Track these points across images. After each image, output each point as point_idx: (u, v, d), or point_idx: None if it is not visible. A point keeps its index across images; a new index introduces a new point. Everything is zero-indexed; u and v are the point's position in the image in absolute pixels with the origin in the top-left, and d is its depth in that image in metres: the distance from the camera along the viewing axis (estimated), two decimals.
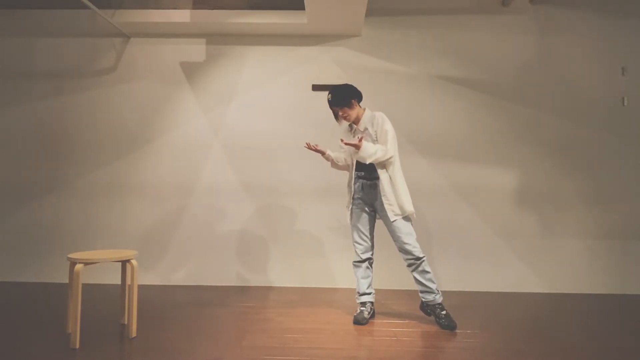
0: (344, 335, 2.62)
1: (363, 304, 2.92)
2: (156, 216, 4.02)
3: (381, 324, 2.83)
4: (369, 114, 2.93)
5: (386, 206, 2.83)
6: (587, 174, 3.96)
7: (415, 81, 4.06)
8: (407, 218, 2.86)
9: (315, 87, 4.06)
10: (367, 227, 2.97)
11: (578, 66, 4.02)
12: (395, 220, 2.82)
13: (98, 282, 3.88)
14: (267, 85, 4.10)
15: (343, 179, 3.29)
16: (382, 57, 4.08)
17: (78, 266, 2.37)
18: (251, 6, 3.90)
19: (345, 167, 3.08)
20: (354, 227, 2.97)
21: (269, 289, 3.83)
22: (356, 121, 2.94)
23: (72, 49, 4.15)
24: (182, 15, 3.88)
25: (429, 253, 3.93)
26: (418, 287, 2.87)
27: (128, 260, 2.54)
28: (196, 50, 4.14)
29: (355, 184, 2.96)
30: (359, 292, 2.96)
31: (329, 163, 3.10)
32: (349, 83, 3.03)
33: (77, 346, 2.33)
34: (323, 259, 3.95)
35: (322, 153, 3.01)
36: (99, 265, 2.63)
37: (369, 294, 2.94)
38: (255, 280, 3.95)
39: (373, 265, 3.01)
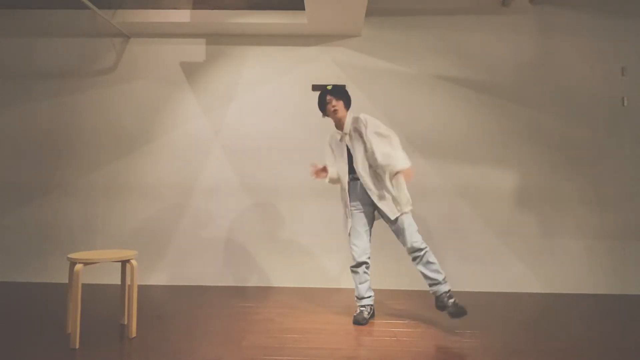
0: (344, 335, 2.62)
1: (363, 305, 2.92)
2: (156, 216, 4.02)
3: (381, 324, 2.83)
4: (350, 118, 2.95)
5: (386, 204, 2.83)
6: (587, 174, 3.96)
7: (415, 81, 4.06)
8: (407, 213, 2.87)
9: (315, 87, 4.06)
10: (366, 228, 2.94)
11: (578, 66, 4.02)
12: (397, 218, 2.82)
13: (98, 282, 3.88)
14: (267, 86, 4.10)
15: None
16: (382, 57, 4.08)
17: (78, 266, 2.37)
18: (251, 6, 3.90)
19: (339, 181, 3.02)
20: (352, 229, 2.93)
21: (269, 289, 3.83)
22: (340, 126, 2.97)
23: (72, 49, 4.15)
24: (182, 16, 3.88)
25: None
26: (427, 282, 2.78)
27: (128, 261, 2.54)
28: (196, 50, 4.14)
29: (350, 187, 2.93)
30: (358, 297, 2.94)
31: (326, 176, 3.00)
32: (345, 84, 3.08)
33: (77, 346, 2.33)
34: (323, 259, 3.95)
35: (327, 172, 2.93)
36: (98, 265, 2.63)
37: (369, 297, 2.93)
38: (255, 281, 3.95)
39: (370, 269, 2.96)
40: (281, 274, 3.95)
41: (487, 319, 3.00)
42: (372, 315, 2.94)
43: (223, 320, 2.88)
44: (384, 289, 3.86)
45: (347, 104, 2.98)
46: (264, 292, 3.69)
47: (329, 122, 3.05)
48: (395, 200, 2.84)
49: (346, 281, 3.86)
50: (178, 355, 2.26)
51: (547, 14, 4.06)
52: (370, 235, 2.98)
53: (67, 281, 2.55)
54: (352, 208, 2.93)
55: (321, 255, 3.95)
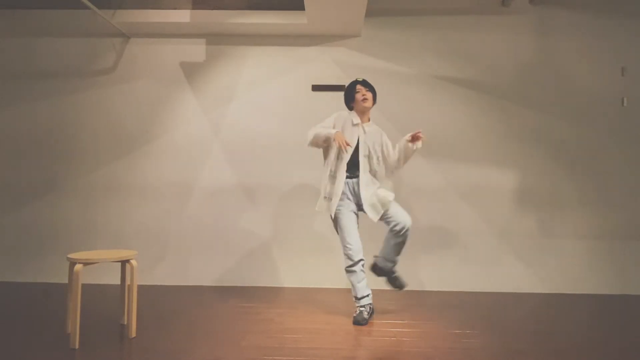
0: (344, 335, 2.62)
1: (362, 305, 2.91)
2: (156, 216, 4.02)
3: (380, 324, 2.83)
4: (374, 125, 3.10)
5: (373, 206, 2.93)
6: (587, 174, 3.96)
7: (415, 81, 4.06)
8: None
9: (315, 88, 4.06)
10: (356, 226, 2.97)
11: (578, 66, 4.02)
12: (388, 209, 2.92)
13: (98, 282, 3.87)
14: (267, 86, 4.10)
15: None
16: (382, 57, 4.08)
17: (77, 266, 2.37)
18: (251, 6, 3.90)
19: (321, 144, 2.96)
20: (344, 228, 2.89)
21: (269, 289, 3.83)
22: (362, 117, 3.04)
23: (72, 49, 4.15)
24: (182, 16, 3.88)
25: (429, 253, 3.93)
26: (391, 254, 2.96)
27: (128, 261, 2.54)
28: (196, 50, 4.14)
29: (346, 184, 2.94)
30: (357, 297, 2.91)
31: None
32: (345, 84, 3.23)
33: (77, 346, 2.33)
34: (323, 259, 3.95)
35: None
36: (98, 265, 2.63)
37: (367, 295, 2.92)
38: (255, 281, 3.95)
39: (365, 266, 2.96)
40: (281, 274, 3.95)
41: (487, 319, 3.01)
42: (371, 314, 2.93)
43: (223, 320, 2.88)
44: (384, 289, 3.86)
45: (374, 99, 3.07)
46: (264, 292, 3.69)
47: None
48: (380, 201, 2.93)
49: (346, 281, 3.85)
50: (178, 355, 2.26)
51: (546, 14, 4.06)
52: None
53: (67, 281, 2.55)
54: (344, 207, 2.92)
55: (321, 255, 3.95)
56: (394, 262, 3.03)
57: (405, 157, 3.04)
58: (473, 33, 4.07)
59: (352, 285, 2.93)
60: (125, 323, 2.65)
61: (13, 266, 3.99)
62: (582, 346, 2.51)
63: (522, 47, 4.05)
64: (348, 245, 2.89)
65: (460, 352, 2.35)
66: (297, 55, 4.11)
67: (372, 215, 2.91)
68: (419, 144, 2.95)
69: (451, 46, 4.07)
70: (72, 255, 2.45)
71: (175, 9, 3.91)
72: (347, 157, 2.92)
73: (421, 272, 3.92)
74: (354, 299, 2.95)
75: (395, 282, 3.11)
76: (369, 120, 3.09)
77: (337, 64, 4.08)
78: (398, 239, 2.92)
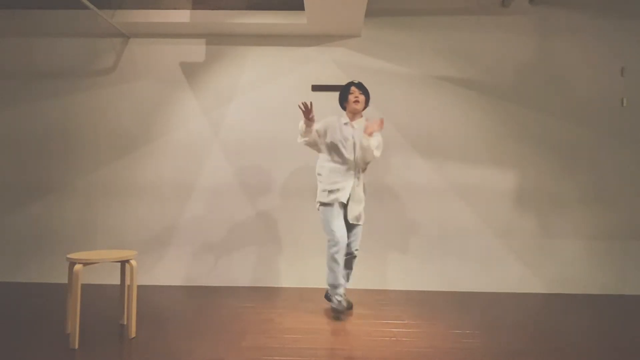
0: (344, 335, 2.62)
1: (340, 295, 2.94)
2: (156, 216, 4.02)
3: (380, 325, 2.83)
4: (363, 118, 3.19)
5: (355, 207, 3.04)
6: (586, 175, 3.96)
7: (414, 82, 4.06)
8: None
9: (315, 88, 4.06)
10: (342, 217, 3.05)
11: (577, 67, 4.03)
12: (359, 225, 3.10)
13: (97, 282, 3.87)
14: (267, 86, 4.10)
15: None
16: (382, 57, 4.08)
17: (77, 266, 2.37)
18: (251, 6, 3.90)
19: (313, 144, 3.12)
20: (332, 217, 2.97)
21: (269, 289, 3.83)
22: (352, 118, 3.16)
23: (72, 49, 4.15)
24: (181, 16, 3.88)
25: (429, 253, 3.93)
26: (341, 279, 3.01)
27: (127, 261, 2.54)
28: (196, 50, 4.14)
29: (352, 183, 3.04)
30: (335, 285, 2.95)
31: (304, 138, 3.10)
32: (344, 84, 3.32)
33: (77, 346, 2.33)
34: (323, 259, 3.94)
35: (312, 121, 2.99)
36: (98, 265, 2.63)
37: (343, 285, 3.01)
38: (255, 281, 3.95)
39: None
40: (281, 274, 3.94)
41: (487, 319, 3.01)
42: (349, 305, 3.02)
43: (223, 320, 2.88)
44: (384, 289, 3.87)
45: (367, 102, 3.20)
46: (264, 293, 3.69)
47: None
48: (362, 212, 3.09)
49: None
50: (178, 356, 2.26)
51: (546, 15, 4.06)
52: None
53: (66, 281, 2.54)
54: (337, 203, 3.01)
55: (321, 256, 3.94)
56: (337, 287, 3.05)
57: (362, 155, 3.04)
58: (473, 33, 4.07)
59: (330, 272, 2.96)
60: (125, 323, 2.65)
61: (13, 266, 3.99)
62: (582, 346, 2.51)
63: (522, 48, 4.05)
64: (332, 230, 2.96)
65: (460, 352, 2.35)
66: (297, 56, 4.11)
67: (351, 216, 3.04)
68: (367, 138, 2.98)
69: (451, 46, 4.07)
70: (71, 256, 2.45)
71: (175, 9, 3.91)
72: (347, 153, 3.03)
73: (421, 272, 3.92)
74: (330, 287, 2.97)
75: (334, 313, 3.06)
76: (361, 117, 3.20)
77: (337, 64, 4.08)
78: (345, 268, 3.09)
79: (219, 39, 4.13)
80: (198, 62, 4.14)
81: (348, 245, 3.05)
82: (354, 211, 3.04)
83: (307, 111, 2.93)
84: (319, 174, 3.10)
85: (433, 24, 4.08)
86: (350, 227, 3.06)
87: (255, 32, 4.05)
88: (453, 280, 3.91)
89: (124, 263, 2.62)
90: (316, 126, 3.07)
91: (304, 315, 3.03)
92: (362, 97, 3.12)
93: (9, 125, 4.11)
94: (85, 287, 3.47)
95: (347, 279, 3.17)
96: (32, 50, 4.16)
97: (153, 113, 4.10)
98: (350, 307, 3.11)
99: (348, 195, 3.00)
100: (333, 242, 2.94)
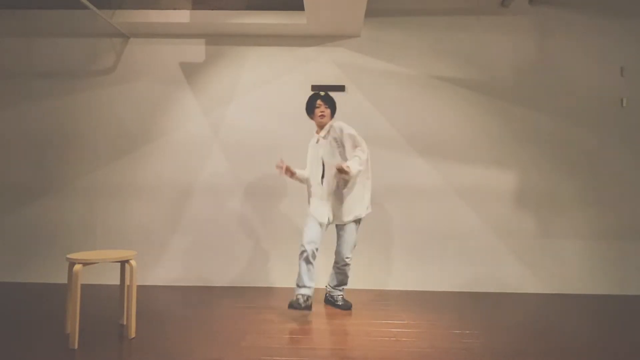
0: (344, 335, 2.62)
1: (300, 294, 2.92)
2: (155, 216, 4.02)
3: (380, 325, 2.83)
4: (328, 125, 3.20)
5: (339, 210, 3.09)
6: (586, 175, 3.96)
7: (414, 82, 4.06)
8: (358, 221, 3.16)
9: (315, 88, 4.06)
10: (322, 224, 3.07)
11: (577, 67, 4.03)
12: (346, 224, 3.11)
13: (97, 282, 3.87)
14: (267, 86, 4.10)
15: None
16: (382, 57, 4.08)
17: (77, 266, 2.37)
18: (250, 7, 3.90)
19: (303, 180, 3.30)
20: (310, 221, 3.04)
21: (269, 289, 3.83)
22: (319, 130, 3.22)
23: (71, 49, 4.15)
24: (181, 16, 3.88)
25: (428, 254, 3.93)
26: (333, 286, 3.23)
27: (127, 261, 2.54)
28: (195, 50, 4.14)
29: (326, 194, 3.12)
30: (298, 284, 2.96)
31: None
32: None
33: (76, 346, 2.33)
34: (322, 259, 3.94)
35: (292, 174, 3.20)
36: (98, 265, 2.63)
37: (308, 287, 2.96)
38: (255, 281, 3.95)
39: (315, 259, 3.03)
40: (281, 275, 3.94)
41: (487, 319, 3.00)
42: (309, 307, 2.91)
43: (223, 321, 2.88)
44: (384, 289, 3.86)
45: (333, 114, 3.23)
46: (264, 293, 3.69)
47: None
48: (347, 208, 3.09)
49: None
50: (177, 356, 2.26)
51: (546, 15, 4.06)
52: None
53: (66, 281, 2.54)
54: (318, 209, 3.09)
55: (320, 256, 3.94)
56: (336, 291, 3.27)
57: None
58: (473, 33, 4.07)
59: (298, 272, 2.98)
60: (125, 323, 2.65)
61: (13, 266, 3.98)
62: (582, 346, 2.50)
63: (521, 48, 4.06)
64: (303, 234, 3.03)
65: (460, 352, 2.35)
66: (297, 56, 4.11)
67: (337, 215, 3.11)
68: (348, 169, 2.94)
69: (451, 47, 4.07)
70: (71, 256, 2.45)
71: (175, 9, 3.91)
72: (316, 173, 3.16)
73: (421, 272, 3.92)
74: (295, 285, 3.00)
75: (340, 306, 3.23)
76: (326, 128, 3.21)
77: (336, 64, 4.08)
78: (336, 274, 3.23)
79: (219, 39, 4.13)
80: (198, 62, 4.14)
81: (337, 253, 3.18)
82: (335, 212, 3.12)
83: (285, 171, 3.13)
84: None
85: (433, 24, 4.08)
86: (338, 230, 3.19)
87: (255, 32, 4.05)
88: (453, 280, 3.91)
89: (123, 263, 2.62)
90: (300, 171, 3.27)
91: (304, 315, 3.02)
92: (327, 111, 3.15)
93: (9, 125, 4.11)
94: (85, 287, 3.46)
95: (340, 286, 3.27)
96: (32, 50, 4.15)
97: (153, 113, 4.10)
98: (348, 307, 3.18)
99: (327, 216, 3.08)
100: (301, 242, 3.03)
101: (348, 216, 3.09)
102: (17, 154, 4.09)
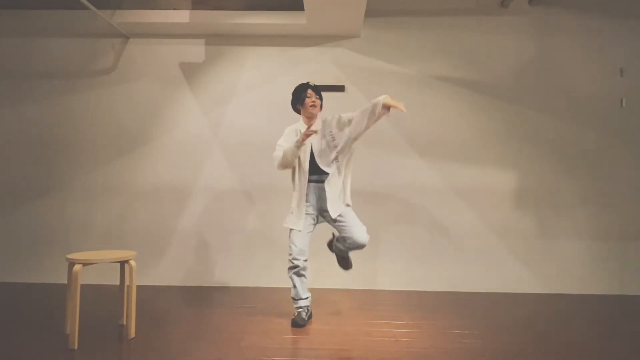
0: (343, 335, 2.62)
1: (300, 307, 2.87)
2: (155, 216, 4.01)
3: (380, 325, 2.83)
4: (319, 119, 3.00)
5: (333, 202, 2.83)
6: (586, 175, 3.96)
7: (414, 82, 4.06)
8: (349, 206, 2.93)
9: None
10: (309, 230, 2.91)
11: (577, 67, 4.03)
12: (341, 213, 2.84)
13: (97, 282, 3.86)
14: (266, 86, 4.10)
15: None
16: (381, 58, 4.08)
17: (76, 267, 2.37)
18: (250, 7, 3.90)
19: (291, 163, 2.97)
20: (299, 232, 2.84)
21: (268, 289, 3.82)
22: (308, 123, 2.96)
23: (71, 50, 4.15)
24: (181, 16, 3.88)
25: (428, 253, 3.93)
26: (342, 250, 2.94)
27: (127, 261, 2.54)
28: (195, 50, 4.14)
29: (308, 190, 2.89)
30: (294, 298, 2.88)
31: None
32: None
33: (76, 347, 2.33)
34: (321, 260, 3.93)
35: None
36: (97, 265, 2.62)
37: (306, 298, 2.90)
38: (255, 281, 3.94)
39: (307, 270, 2.90)
40: (281, 275, 3.92)
41: (487, 319, 3.01)
42: (309, 317, 2.89)
43: (222, 321, 2.88)
44: (384, 290, 3.86)
45: (321, 107, 3.02)
46: (264, 293, 3.69)
47: None
48: (342, 198, 2.89)
49: (345, 282, 3.86)
50: (177, 356, 2.26)
51: (545, 15, 4.06)
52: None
53: (66, 282, 2.54)
54: (307, 213, 2.88)
55: (320, 256, 3.94)
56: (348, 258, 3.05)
57: (371, 120, 2.81)
58: (472, 34, 4.07)
59: (293, 286, 2.88)
60: (124, 323, 2.65)
61: (12, 266, 3.98)
62: (582, 346, 2.50)
63: (521, 48, 4.06)
64: (291, 245, 2.84)
65: (460, 352, 2.35)
66: (297, 56, 4.11)
67: (332, 212, 2.83)
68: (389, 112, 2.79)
69: (451, 47, 4.07)
70: (71, 256, 2.44)
71: (174, 9, 3.91)
72: (306, 165, 2.89)
73: (421, 272, 3.92)
74: (292, 300, 2.91)
75: (342, 263, 3.06)
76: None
77: (336, 64, 4.08)
78: (345, 247, 2.90)
79: (219, 40, 4.13)
80: (197, 63, 4.13)
81: (348, 239, 2.83)
82: (330, 207, 2.86)
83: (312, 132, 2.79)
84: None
85: (432, 25, 4.08)
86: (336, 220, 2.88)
87: (254, 33, 4.05)
88: (453, 281, 3.91)
89: (123, 263, 2.62)
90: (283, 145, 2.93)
91: None
92: (318, 102, 2.96)
93: (8, 125, 4.11)
94: (85, 288, 3.45)
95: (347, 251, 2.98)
96: (31, 50, 4.15)
97: (152, 113, 4.10)
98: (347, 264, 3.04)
99: (301, 219, 2.87)
100: (289, 255, 2.87)
101: (337, 209, 2.84)
102: (17, 154, 4.09)
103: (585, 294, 3.82)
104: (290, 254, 2.85)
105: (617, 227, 3.92)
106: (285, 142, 2.97)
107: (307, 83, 3.03)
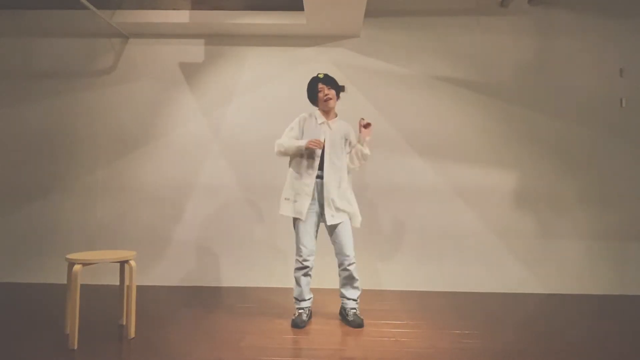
0: (343, 335, 2.62)
1: (302, 308, 2.85)
2: (155, 216, 4.01)
3: (379, 325, 2.83)
4: (340, 119, 2.97)
5: (332, 209, 2.79)
6: (586, 175, 3.96)
7: (414, 82, 4.06)
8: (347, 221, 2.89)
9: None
10: (315, 229, 2.88)
11: (576, 67, 4.03)
12: (342, 222, 2.82)
13: (96, 282, 3.86)
14: (266, 86, 4.10)
15: None
16: (381, 58, 4.08)
17: (76, 267, 2.36)
18: (250, 7, 3.90)
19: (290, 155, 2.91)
20: (305, 231, 2.81)
21: (268, 289, 3.82)
22: (327, 115, 2.93)
23: (71, 50, 4.15)
24: (181, 16, 3.88)
25: (428, 254, 3.93)
26: (344, 291, 2.88)
27: (126, 261, 2.54)
28: (195, 50, 4.14)
29: (314, 185, 2.82)
30: (297, 299, 2.86)
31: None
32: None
33: (76, 347, 2.33)
34: (321, 260, 3.94)
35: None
36: (97, 265, 2.62)
37: (309, 299, 2.89)
38: (254, 281, 3.94)
39: (312, 271, 2.89)
40: (281, 275, 3.94)
41: (487, 319, 3.00)
42: (309, 317, 2.89)
43: (222, 321, 2.87)
44: (384, 290, 3.86)
45: (338, 94, 2.96)
46: (264, 293, 3.69)
47: None
48: (352, 204, 2.89)
49: None
50: (177, 356, 2.25)
51: (545, 15, 4.06)
52: (316, 237, 2.91)
53: (65, 282, 2.54)
54: (311, 210, 2.82)
55: (320, 256, 3.94)
56: (349, 300, 2.87)
57: (358, 158, 2.91)
58: (472, 33, 4.07)
59: (297, 286, 2.86)
60: (124, 323, 2.65)
61: (12, 266, 3.98)
62: (582, 346, 2.50)
63: (521, 48, 4.06)
64: (301, 247, 2.81)
65: (460, 352, 2.35)
66: (296, 56, 4.11)
67: (328, 218, 2.79)
68: (365, 148, 2.86)
69: (450, 47, 4.07)
70: (70, 256, 2.44)
71: (174, 9, 3.91)
72: (317, 158, 2.81)
73: (421, 272, 3.92)
74: (294, 300, 2.89)
75: (349, 322, 2.82)
76: (335, 116, 2.97)
77: (336, 64, 4.08)
78: (341, 273, 2.87)
79: (219, 40, 4.13)
80: (197, 63, 4.13)
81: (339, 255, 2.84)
82: (327, 211, 2.81)
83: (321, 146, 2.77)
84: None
85: (432, 24, 4.08)
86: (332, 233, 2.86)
87: (254, 33, 4.05)
88: (453, 281, 3.91)
89: (123, 263, 2.62)
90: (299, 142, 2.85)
91: None
92: (332, 92, 2.88)
93: (8, 125, 4.11)
94: (85, 288, 3.45)
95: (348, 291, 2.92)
96: (31, 50, 4.15)
97: (152, 113, 4.10)
98: (359, 324, 2.78)
99: (306, 207, 2.80)
100: (296, 255, 2.84)
101: (335, 217, 2.80)
102: (16, 153, 4.09)
103: (585, 294, 3.82)
104: (300, 256, 2.82)
105: (618, 227, 3.92)
106: (293, 131, 2.92)
107: (317, 76, 2.97)
